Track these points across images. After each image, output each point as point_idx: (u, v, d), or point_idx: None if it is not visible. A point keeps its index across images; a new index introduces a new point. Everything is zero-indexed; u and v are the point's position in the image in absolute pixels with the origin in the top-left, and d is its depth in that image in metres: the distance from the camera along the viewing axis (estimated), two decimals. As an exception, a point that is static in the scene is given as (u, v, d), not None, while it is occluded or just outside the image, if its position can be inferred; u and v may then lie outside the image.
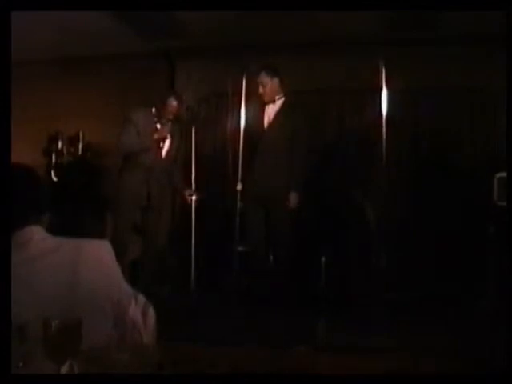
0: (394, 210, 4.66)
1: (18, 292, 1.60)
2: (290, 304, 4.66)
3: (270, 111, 5.06)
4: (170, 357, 1.54)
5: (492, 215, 4.62)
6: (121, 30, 5.89)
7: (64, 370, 1.34)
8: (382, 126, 4.32)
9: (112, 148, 5.41)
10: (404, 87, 5.04)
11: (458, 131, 5.70)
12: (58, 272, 1.69)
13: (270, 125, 5.05)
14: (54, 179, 6.37)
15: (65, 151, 6.52)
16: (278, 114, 5.06)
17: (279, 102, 5.06)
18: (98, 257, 1.79)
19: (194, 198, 5.14)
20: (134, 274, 4.89)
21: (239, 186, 4.82)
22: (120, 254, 1.91)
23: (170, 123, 5.04)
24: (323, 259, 5.13)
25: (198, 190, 5.15)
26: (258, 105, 5.04)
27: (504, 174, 4.34)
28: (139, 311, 1.81)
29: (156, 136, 4.99)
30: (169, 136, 5.08)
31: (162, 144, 5.05)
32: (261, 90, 4.99)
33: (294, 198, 4.99)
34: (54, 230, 1.81)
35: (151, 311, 1.85)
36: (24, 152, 6.17)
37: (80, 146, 6.54)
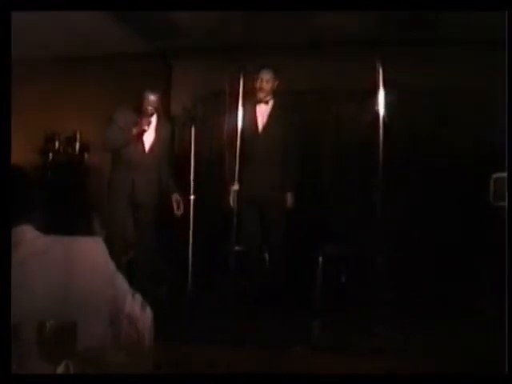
0: (393, 210, 4.64)
1: (12, 292, 1.59)
2: (286, 304, 4.66)
3: (264, 111, 5.07)
4: (167, 357, 1.54)
5: (488, 216, 4.62)
6: (118, 31, 5.89)
7: (60, 370, 1.33)
8: (379, 127, 4.30)
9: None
10: (401, 87, 5.03)
11: (457, 131, 5.68)
12: (50, 271, 1.67)
13: (265, 125, 5.06)
14: (50, 178, 6.36)
15: (62, 151, 6.51)
16: (274, 113, 5.08)
17: (271, 102, 5.08)
18: (90, 254, 1.78)
19: (181, 202, 5.12)
20: (129, 273, 4.87)
21: (236, 186, 4.81)
22: (113, 253, 1.90)
23: (149, 118, 5.06)
24: (320, 259, 5.14)
25: (186, 194, 5.13)
26: (254, 104, 5.04)
27: (500, 175, 4.34)
28: (137, 307, 1.79)
29: (135, 130, 5.02)
30: (151, 131, 5.11)
31: (142, 138, 5.07)
32: (259, 84, 4.98)
33: (290, 198, 5.01)
34: (47, 229, 1.80)
35: (148, 309, 1.84)
36: (20, 151, 6.18)
37: (77, 146, 6.53)
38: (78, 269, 1.71)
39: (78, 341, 1.36)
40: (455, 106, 5.76)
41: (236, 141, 4.77)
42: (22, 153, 6.19)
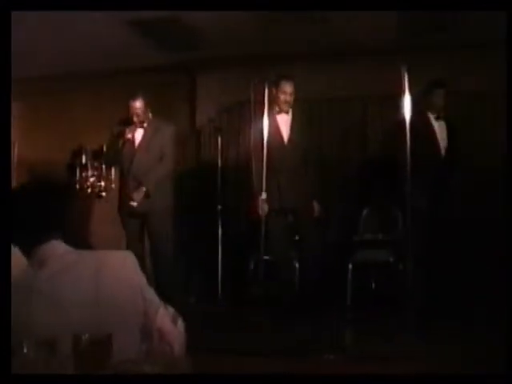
0: (421, 217, 4.56)
1: (44, 307, 1.61)
2: (316, 313, 4.64)
3: (286, 120, 5.09)
4: (200, 369, 1.53)
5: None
6: (142, 44, 5.97)
7: None
8: (405, 132, 4.25)
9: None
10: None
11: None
12: (81, 285, 1.68)
13: (289, 134, 5.08)
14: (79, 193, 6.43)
15: (89, 165, 6.58)
16: (297, 124, 5.10)
17: (291, 112, 5.10)
18: (120, 268, 1.77)
19: (135, 204, 5.01)
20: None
21: (264, 196, 4.81)
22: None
23: (135, 126, 5.07)
24: (350, 266, 5.12)
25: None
26: (274, 114, 5.04)
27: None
28: (168, 321, 1.79)
29: (121, 140, 5.07)
30: (142, 140, 5.10)
31: (129, 146, 5.08)
32: (284, 97, 5.00)
33: (317, 207, 5.03)
34: (77, 243, 1.81)
35: (180, 321, 1.83)
36: (49, 166, 6.26)
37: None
38: (108, 282, 1.70)
39: (112, 354, 1.37)
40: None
41: (263, 150, 4.77)
42: (50, 166, 6.29)
